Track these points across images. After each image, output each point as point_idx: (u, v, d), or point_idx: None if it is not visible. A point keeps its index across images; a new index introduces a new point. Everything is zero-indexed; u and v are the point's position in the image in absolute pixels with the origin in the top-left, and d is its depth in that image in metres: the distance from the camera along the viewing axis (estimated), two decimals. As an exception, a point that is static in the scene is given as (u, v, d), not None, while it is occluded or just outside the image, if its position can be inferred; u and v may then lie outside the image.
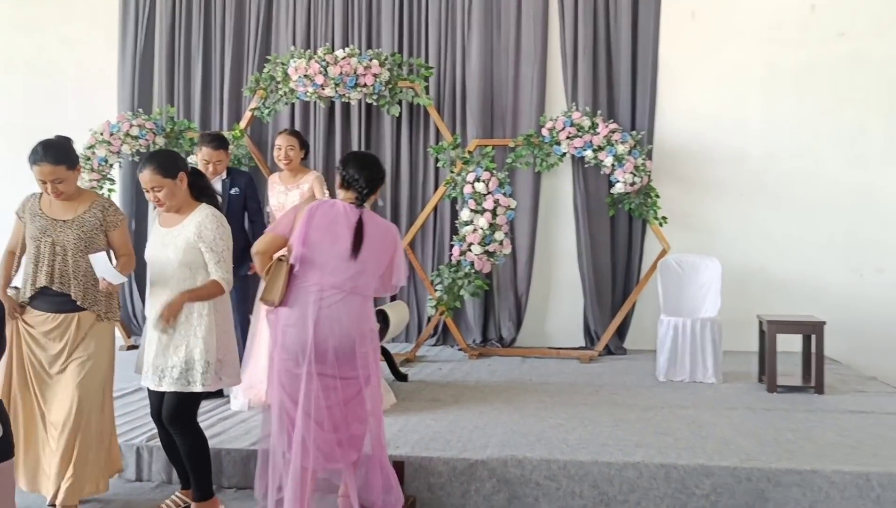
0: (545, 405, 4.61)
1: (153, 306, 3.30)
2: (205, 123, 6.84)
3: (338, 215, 3.13)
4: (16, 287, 3.48)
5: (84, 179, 6.42)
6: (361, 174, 3.18)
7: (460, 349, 6.46)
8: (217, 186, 4.78)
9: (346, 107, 6.64)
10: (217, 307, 3.28)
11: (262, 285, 3.16)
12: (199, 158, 4.77)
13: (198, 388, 3.19)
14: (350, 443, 3.12)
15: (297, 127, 6.70)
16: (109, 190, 6.60)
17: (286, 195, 4.77)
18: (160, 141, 6.46)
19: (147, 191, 3.24)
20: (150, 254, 3.35)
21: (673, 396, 4.86)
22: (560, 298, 6.79)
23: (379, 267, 3.20)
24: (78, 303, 3.33)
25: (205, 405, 4.52)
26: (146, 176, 3.20)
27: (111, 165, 6.48)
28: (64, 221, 3.34)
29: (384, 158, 6.62)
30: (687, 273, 5.69)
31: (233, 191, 4.77)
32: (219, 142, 4.86)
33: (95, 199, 3.44)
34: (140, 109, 6.68)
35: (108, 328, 3.44)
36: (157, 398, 3.35)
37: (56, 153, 3.27)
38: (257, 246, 3.23)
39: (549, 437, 3.91)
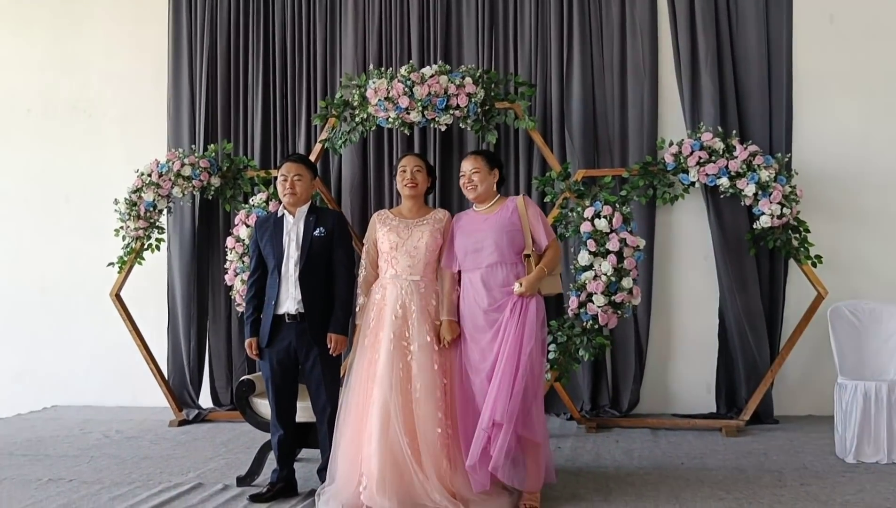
0: (728, 506, 3.52)
1: None
2: (265, 160, 5.95)
3: None
4: None
5: (130, 229, 5.57)
6: None
7: (571, 419, 5.41)
8: (299, 223, 3.85)
9: (423, 134, 5.73)
10: None
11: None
12: (277, 183, 3.92)
13: None
14: None
15: (372, 161, 5.80)
16: (157, 240, 5.75)
17: (408, 231, 3.76)
18: (215, 181, 5.59)
19: None
20: None
21: (887, 489, 3.73)
22: (683, 355, 5.70)
23: None
24: None
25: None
26: None
27: (160, 211, 5.61)
28: None
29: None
30: (865, 324, 4.59)
31: (317, 232, 3.80)
32: (299, 157, 4.05)
33: None
34: (193, 147, 5.84)
35: None
36: None
37: None
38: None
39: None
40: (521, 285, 3.55)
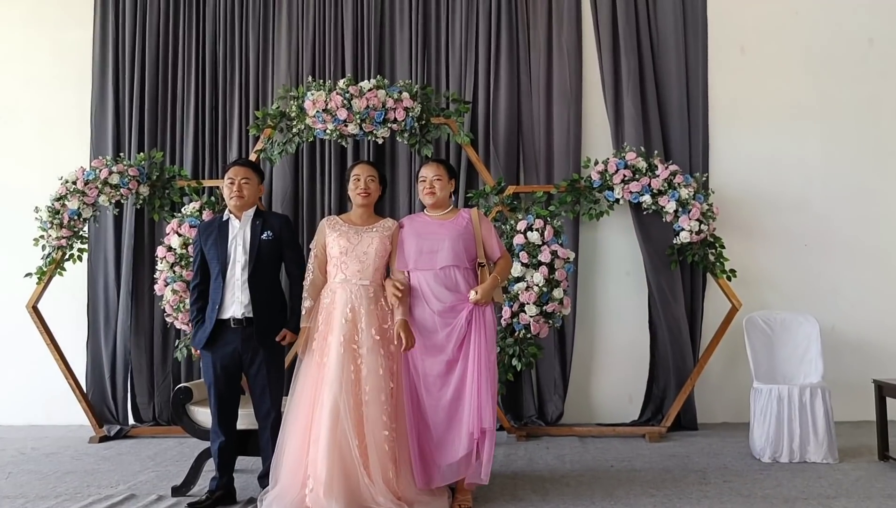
0: (660, 501, 3.69)
1: None
2: (195, 170, 5.87)
3: None
4: None
5: (51, 238, 5.39)
6: None
7: (500, 429, 5.51)
8: (246, 227, 3.84)
9: (357, 147, 5.79)
10: None
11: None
12: (224, 187, 3.92)
13: None
14: None
15: (305, 173, 5.81)
16: (80, 250, 5.57)
17: (358, 237, 3.81)
18: (144, 190, 5.48)
19: None
20: None
21: (801, 483, 4.00)
22: (606, 367, 5.91)
23: None
24: None
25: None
26: None
27: (84, 220, 5.45)
28: None
29: (402, 206, 5.75)
30: (777, 334, 4.91)
31: (265, 235, 3.80)
32: (246, 161, 4.05)
33: None
34: (121, 155, 5.71)
35: None
36: None
37: None
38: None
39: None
40: (476, 292, 3.67)
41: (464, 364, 3.65)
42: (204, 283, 3.85)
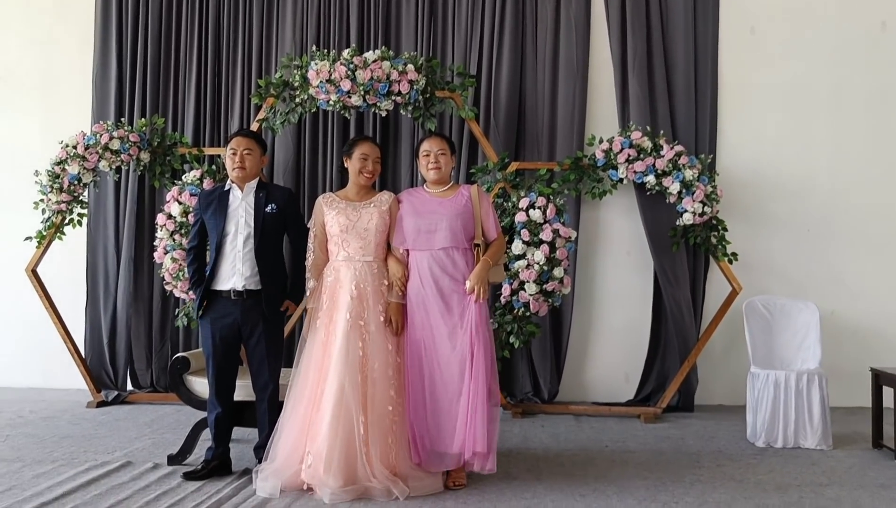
0: (653, 484, 3.70)
1: None
2: (197, 137, 5.83)
3: None
4: None
5: (51, 202, 5.36)
6: None
7: (496, 405, 5.51)
8: (248, 198, 3.81)
9: (361, 119, 5.74)
10: None
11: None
12: (226, 157, 3.87)
13: None
14: None
15: (307, 144, 5.77)
16: (80, 215, 5.55)
17: (357, 214, 3.76)
18: (145, 157, 5.44)
19: None
20: None
21: (795, 469, 4.00)
22: (603, 346, 5.91)
23: None
24: None
25: (219, 489, 3.52)
26: None
27: (84, 185, 5.41)
28: None
29: (404, 180, 5.71)
30: (777, 319, 4.89)
31: (269, 208, 3.77)
32: (249, 131, 4.01)
33: None
34: (123, 120, 5.66)
35: None
36: None
37: None
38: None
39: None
40: (469, 282, 3.62)
41: (460, 365, 3.58)
42: (201, 246, 3.87)
